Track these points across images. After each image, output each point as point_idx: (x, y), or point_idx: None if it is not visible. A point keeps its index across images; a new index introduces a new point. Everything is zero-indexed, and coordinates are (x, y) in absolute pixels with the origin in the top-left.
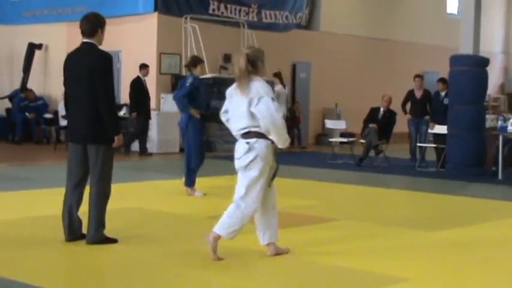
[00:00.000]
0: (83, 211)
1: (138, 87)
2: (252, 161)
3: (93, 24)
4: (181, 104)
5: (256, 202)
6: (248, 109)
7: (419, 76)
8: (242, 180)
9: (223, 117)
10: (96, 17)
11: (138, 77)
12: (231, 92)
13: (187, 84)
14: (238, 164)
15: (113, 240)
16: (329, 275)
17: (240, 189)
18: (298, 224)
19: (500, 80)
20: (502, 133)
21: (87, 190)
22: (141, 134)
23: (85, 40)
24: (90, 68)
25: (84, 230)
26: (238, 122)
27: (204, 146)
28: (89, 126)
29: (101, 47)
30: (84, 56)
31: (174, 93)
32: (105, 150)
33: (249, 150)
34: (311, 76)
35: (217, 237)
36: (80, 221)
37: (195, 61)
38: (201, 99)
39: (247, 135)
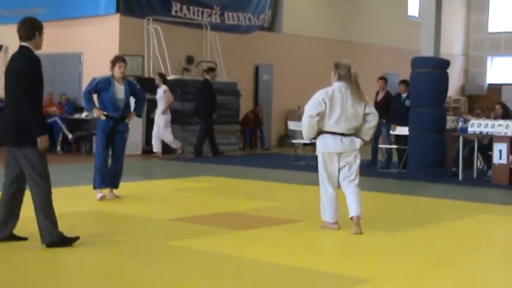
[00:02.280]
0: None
1: (206, 91)
2: (358, 151)
3: (30, 28)
4: (85, 99)
5: None
6: (363, 112)
7: (382, 78)
8: (352, 167)
9: (316, 119)
10: (33, 21)
11: (206, 79)
12: (332, 97)
13: (94, 82)
14: (346, 155)
15: (73, 239)
16: (290, 276)
17: (351, 175)
18: (261, 226)
19: (460, 81)
20: (462, 134)
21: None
22: (209, 135)
23: (21, 44)
24: (17, 70)
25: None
26: (351, 122)
27: (104, 148)
28: (15, 129)
29: (63, 49)
30: (16, 59)
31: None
32: (32, 153)
33: (359, 144)
34: (274, 78)
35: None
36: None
37: (113, 60)
38: (109, 101)
39: (354, 134)
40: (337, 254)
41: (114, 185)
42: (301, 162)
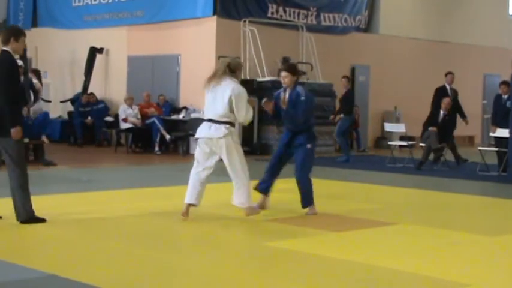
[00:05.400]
0: None
1: (441, 95)
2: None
3: (6, 34)
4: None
5: None
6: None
7: (345, 77)
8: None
9: None
10: (11, 28)
11: (443, 85)
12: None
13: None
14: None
15: (41, 220)
16: (388, 279)
17: None
18: (358, 228)
19: None
20: None
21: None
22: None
23: (2, 48)
24: None
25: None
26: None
27: (275, 162)
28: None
29: (161, 51)
30: None
31: None
32: (8, 142)
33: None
34: (370, 79)
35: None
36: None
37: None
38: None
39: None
40: (435, 257)
41: (303, 204)
42: (397, 164)
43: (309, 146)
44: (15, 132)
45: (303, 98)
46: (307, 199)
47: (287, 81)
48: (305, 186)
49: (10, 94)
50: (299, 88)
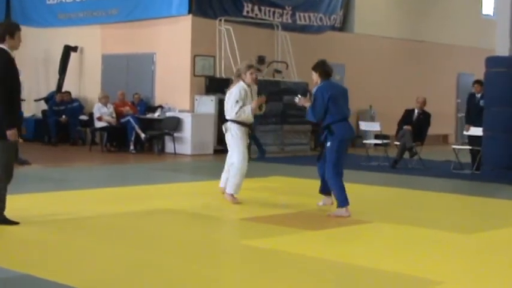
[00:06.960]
0: None
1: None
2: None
3: (1, 31)
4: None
5: None
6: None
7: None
8: None
9: None
10: (6, 25)
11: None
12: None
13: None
14: None
15: (13, 222)
16: (362, 277)
17: None
18: (332, 226)
19: None
20: None
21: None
22: None
23: None
24: None
25: None
26: None
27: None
28: None
29: (136, 49)
30: None
31: None
32: (1, 145)
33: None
34: (345, 78)
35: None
36: None
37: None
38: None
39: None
40: (408, 255)
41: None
42: (372, 162)
43: (328, 144)
44: (10, 134)
45: (313, 94)
46: (337, 199)
47: (313, 78)
48: (331, 186)
49: (7, 93)
50: (318, 85)
